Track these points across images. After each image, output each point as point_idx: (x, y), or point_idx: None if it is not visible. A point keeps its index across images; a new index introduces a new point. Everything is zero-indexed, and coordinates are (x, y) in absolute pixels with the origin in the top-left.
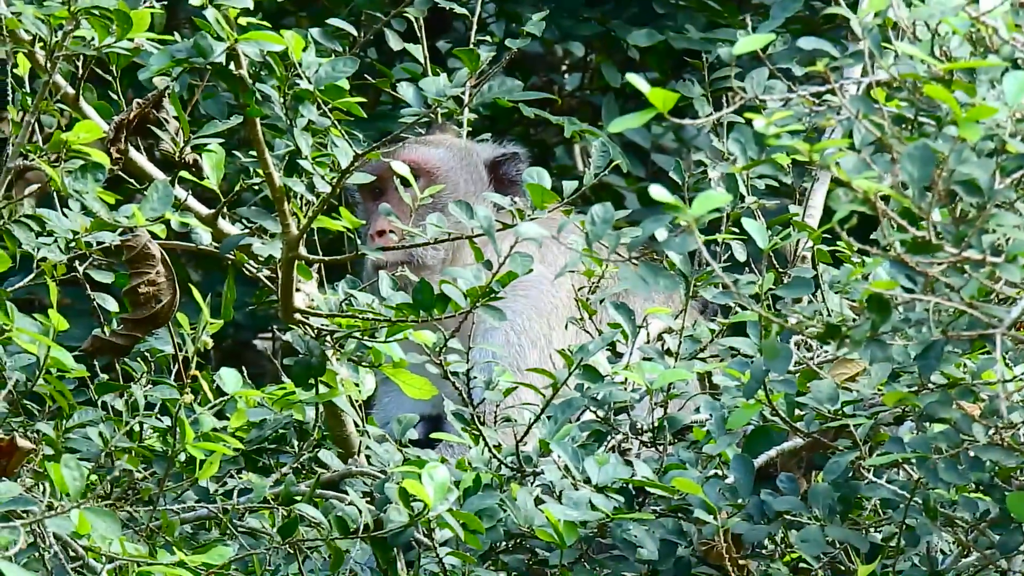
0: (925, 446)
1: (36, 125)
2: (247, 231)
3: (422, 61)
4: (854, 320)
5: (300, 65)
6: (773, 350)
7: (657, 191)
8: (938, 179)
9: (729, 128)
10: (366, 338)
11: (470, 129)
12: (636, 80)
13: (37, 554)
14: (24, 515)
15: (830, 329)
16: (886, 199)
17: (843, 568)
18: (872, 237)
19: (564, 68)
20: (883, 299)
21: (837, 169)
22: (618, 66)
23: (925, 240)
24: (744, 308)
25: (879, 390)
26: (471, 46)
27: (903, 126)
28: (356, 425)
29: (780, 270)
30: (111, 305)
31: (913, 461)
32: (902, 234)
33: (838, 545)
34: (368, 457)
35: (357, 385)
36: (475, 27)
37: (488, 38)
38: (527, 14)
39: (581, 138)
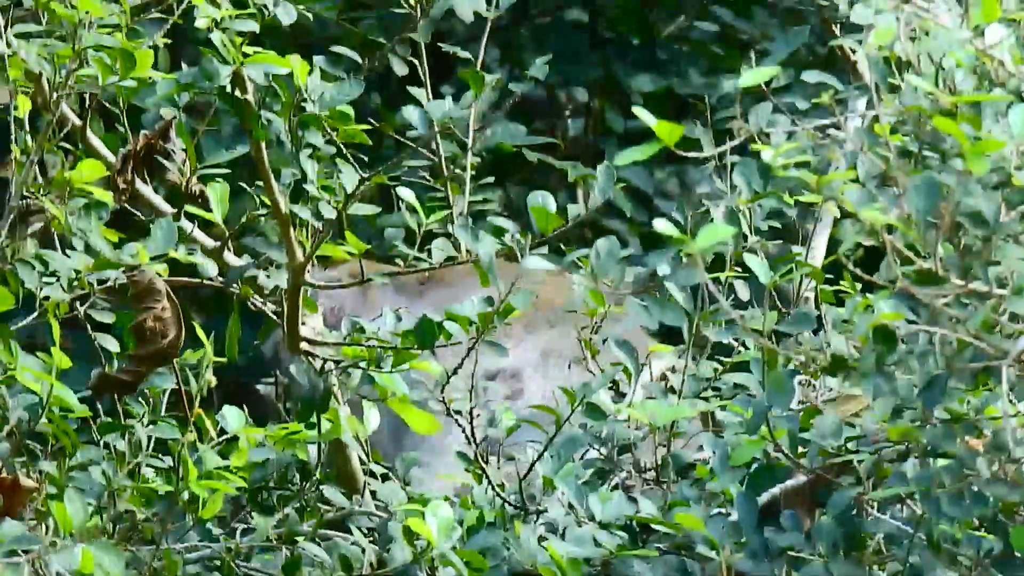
0: (929, 481)
1: (39, 165)
2: (252, 262)
3: (425, 104)
4: (859, 354)
5: (305, 89)
6: (780, 382)
7: (661, 224)
8: (944, 212)
9: (732, 168)
10: (371, 369)
11: (473, 173)
12: (642, 113)
13: None
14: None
15: (836, 361)
16: (891, 231)
17: None
18: (877, 272)
19: (567, 113)
20: (889, 330)
21: (843, 201)
22: (621, 111)
23: (931, 272)
24: (747, 347)
25: (883, 425)
26: (474, 88)
27: (908, 159)
28: (361, 461)
29: (783, 310)
30: (112, 345)
31: (917, 496)
32: (908, 266)
33: None
34: (373, 493)
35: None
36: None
37: (492, 82)
38: (531, 59)
39: (584, 183)
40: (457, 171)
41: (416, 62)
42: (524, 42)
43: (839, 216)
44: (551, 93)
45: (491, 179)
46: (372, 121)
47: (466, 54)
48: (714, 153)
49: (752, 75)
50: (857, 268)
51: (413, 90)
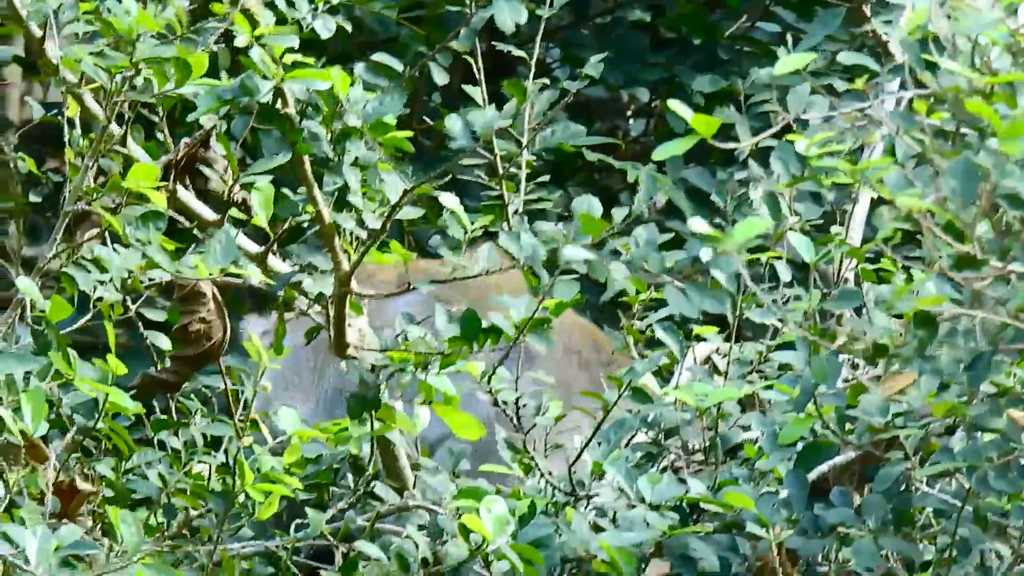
0: (975, 455)
1: (93, 168)
2: (298, 268)
3: (482, 103)
4: (901, 336)
5: (347, 101)
6: (823, 371)
7: (697, 223)
8: (981, 193)
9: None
10: (419, 372)
11: (529, 172)
12: (677, 106)
13: None
14: (85, 559)
15: (878, 349)
16: (929, 215)
17: None
18: (917, 255)
19: (628, 113)
20: (929, 316)
21: (880, 187)
22: None
23: (970, 255)
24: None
25: (929, 402)
26: (530, 89)
27: (945, 139)
28: (410, 459)
29: (825, 291)
30: (164, 343)
31: (964, 471)
32: (947, 249)
33: (891, 558)
34: (423, 491)
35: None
36: (533, 70)
37: (549, 82)
38: (591, 58)
39: (631, 210)
40: (513, 170)
41: (472, 61)
42: (585, 42)
43: (876, 199)
44: (613, 93)
45: (547, 178)
46: (428, 120)
47: (522, 53)
48: (751, 142)
49: (787, 61)
50: (896, 250)
51: (469, 89)
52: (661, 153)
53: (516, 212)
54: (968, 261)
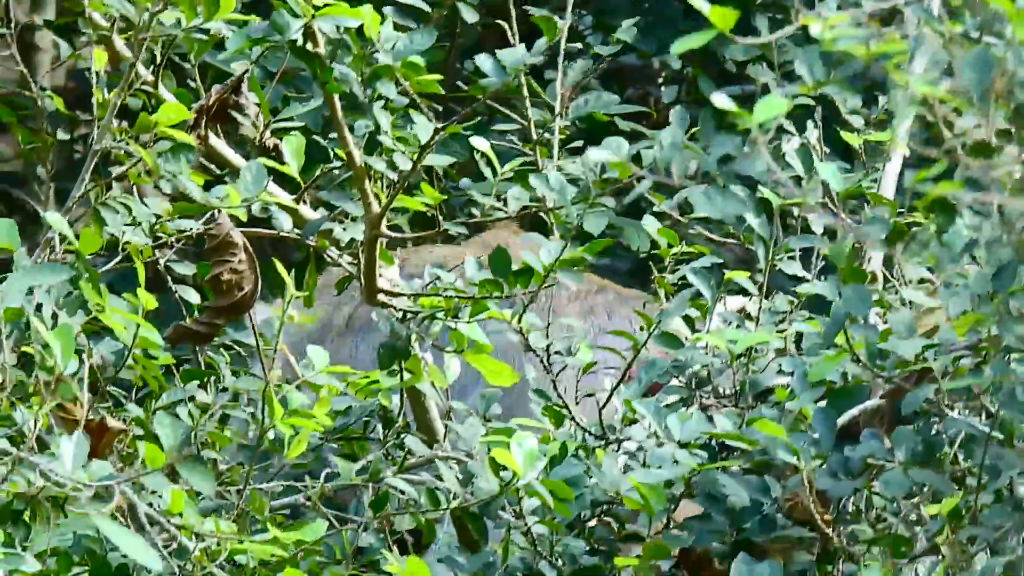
0: (1003, 369)
1: (121, 112)
2: (328, 215)
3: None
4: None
5: (377, 40)
6: (856, 291)
7: (718, 98)
8: (997, 83)
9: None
10: (450, 319)
11: (562, 137)
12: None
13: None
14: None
15: (895, 233)
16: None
17: (923, 520)
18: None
19: (660, 81)
20: (947, 201)
21: (897, 74)
22: (714, 79)
23: (985, 143)
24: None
25: (955, 325)
26: (564, 56)
27: (968, 42)
28: (440, 409)
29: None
30: (193, 298)
31: (992, 397)
32: (962, 138)
33: (921, 489)
34: (453, 443)
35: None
36: (566, 36)
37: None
38: (623, 23)
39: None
40: (546, 136)
41: (504, 23)
42: (618, 9)
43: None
44: (644, 60)
45: (579, 144)
46: (462, 85)
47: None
48: (771, 39)
49: None
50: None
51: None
52: (679, 47)
53: None
54: (983, 148)
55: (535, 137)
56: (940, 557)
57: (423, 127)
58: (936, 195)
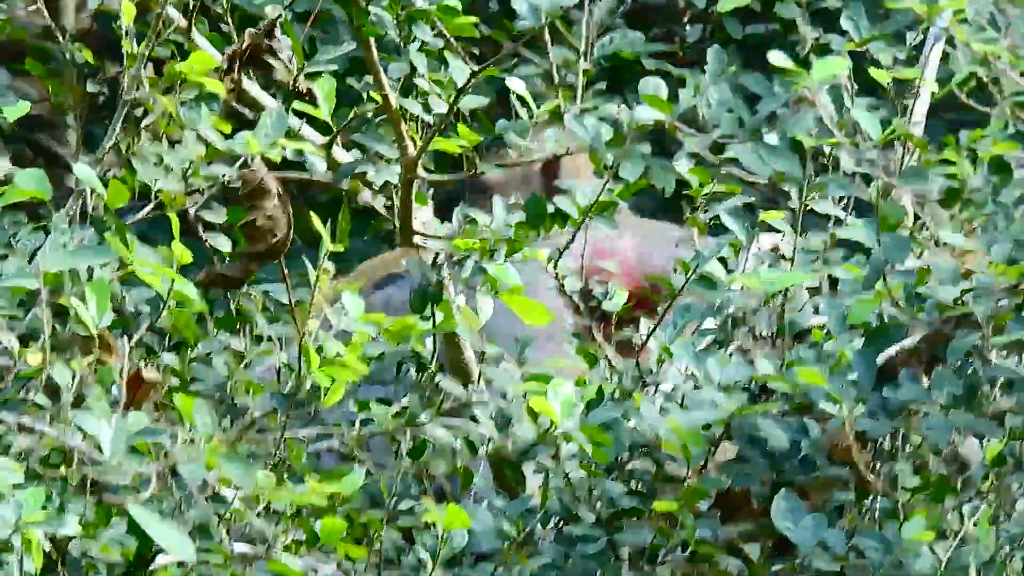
0: None
1: (150, 61)
2: (362, 158)
3: None
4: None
5: None
6: (895, 237)
7: (775, 56)
8: None
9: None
10: (484, 260)
11: (587, 79)
12: None
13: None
14: (152, 449)
15: (951, 193)
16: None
17: (964, 463)
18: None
19: (685, 20)
20: (1003, 161)
21: (956, 30)
22: (740, 18)
23: None
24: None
25: (999, 272)
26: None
27: None
28: (474, 351)
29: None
30: (224, 245)
31: None
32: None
33: (962, 432)
34: (488, 382)
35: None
36: None
37: None
38: None
39: (696, 91)
40: (571, 76)
41: None
42: None
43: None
44: (669, 0)
45: (603, 85)
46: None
47: None
48: None
49: None
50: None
51: None
52: (725, 4)
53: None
54: None
55: (559, 79)
56: (985, 503)
57: (459, 69)
58: (992, 154)
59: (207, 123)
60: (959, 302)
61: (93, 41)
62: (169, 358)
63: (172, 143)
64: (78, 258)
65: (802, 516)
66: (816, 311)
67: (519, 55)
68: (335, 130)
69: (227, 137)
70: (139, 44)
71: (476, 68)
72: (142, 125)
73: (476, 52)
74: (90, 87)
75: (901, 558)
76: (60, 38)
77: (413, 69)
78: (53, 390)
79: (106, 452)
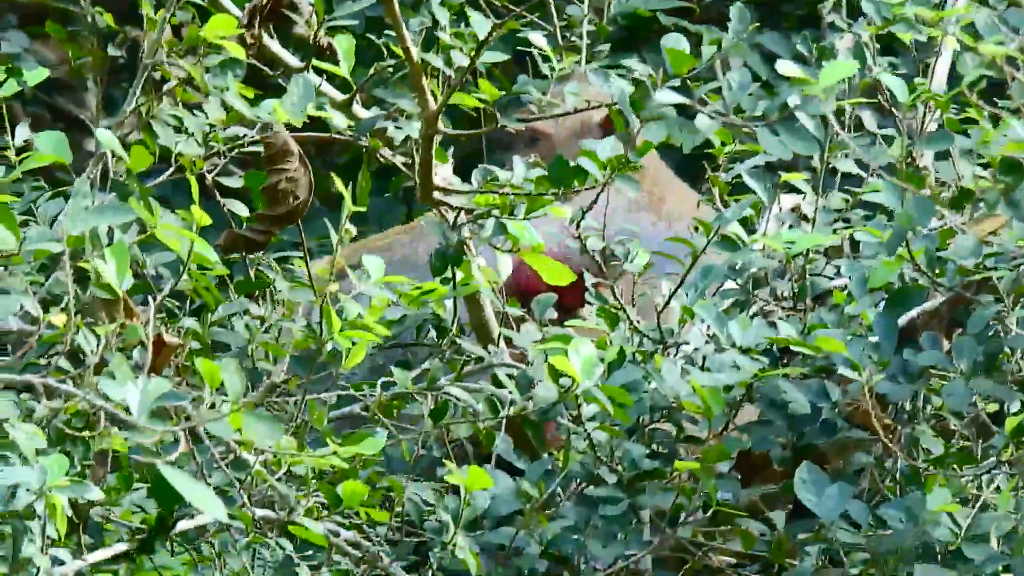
0: None
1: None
2: (382, 113)
3: None
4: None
5: None
6: (915, 212)
7: (785, 66)
8: None
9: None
10: (505, 217)
11: (604, 37)
12: None
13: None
14: (174, 412)
15: (963, 193)
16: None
17: (987, 428)
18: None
19: None
20: (1015, 161)
21: (964, 34)
22: None
23: None
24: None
25: (1020, 244)
26: None
27: None
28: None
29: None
30: (242, 210)
31: None
32: None
33: (983, 399)
34: (509, 340)
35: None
36: None
37: None
38: None
39: (719, 48)
40: (590, 28)
41: None
42: None
43: (959, 49)
44: None
45: (623, 43)
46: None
47: None
48: None
49: None
50: (982, 97)
51: None
52: None
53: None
54: None
55: (574, 37)
56: (1008, 472)
57: (480, 23)
58: (1003, 155)
59: (233, 90)
60: (980, 267)
61: (113, 4)
62: (190, 322)
63: (190, 108)
64: (101, 218)
65: (824, 487)
66: (837, 273)
67: (543, 4)
68: (355, 87)
69: (253, 101)
70: (159, 8)
71: (498, 22)
72: (163, 91)
73: (496, 4)
74: (110, 51)
75: (925, 528)
76: (80, 1)
77: (435, 23)
78: (75, 354)
79: (135, 415)
